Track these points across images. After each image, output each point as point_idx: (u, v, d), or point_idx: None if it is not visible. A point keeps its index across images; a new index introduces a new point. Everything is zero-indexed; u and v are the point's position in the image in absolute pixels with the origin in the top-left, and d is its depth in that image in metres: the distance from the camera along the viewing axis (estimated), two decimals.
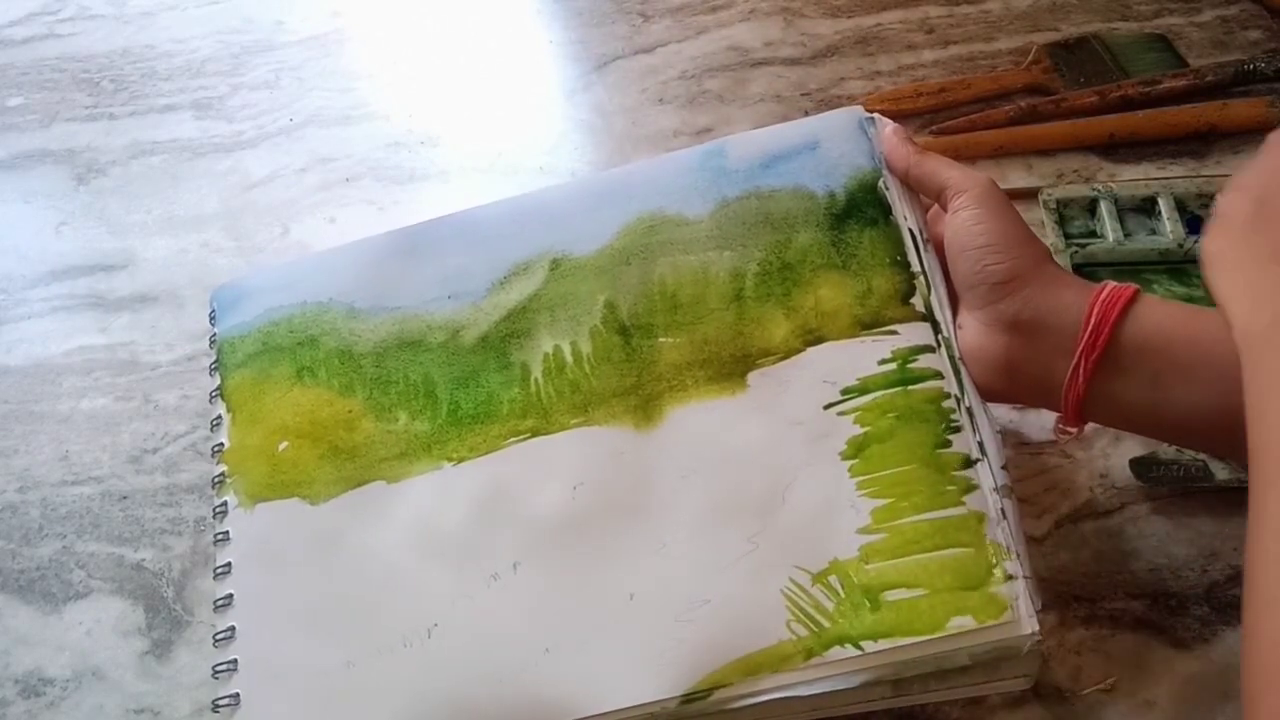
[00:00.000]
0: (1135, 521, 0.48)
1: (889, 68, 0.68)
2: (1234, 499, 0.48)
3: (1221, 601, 0.45)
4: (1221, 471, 0.47)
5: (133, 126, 0.71)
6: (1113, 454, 0.50)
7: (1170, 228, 0.55)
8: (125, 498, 0.53)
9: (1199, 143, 0.61)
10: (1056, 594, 0.46)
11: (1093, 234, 0.56)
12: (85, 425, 0.56)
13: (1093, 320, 0.38)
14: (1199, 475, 0.47)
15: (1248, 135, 0.61)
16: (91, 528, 0.52)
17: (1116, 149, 0.61)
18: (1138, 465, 0.48)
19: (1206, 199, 0.56)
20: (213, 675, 0.43)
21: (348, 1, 0.78)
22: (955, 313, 0.42)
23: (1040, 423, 0.51)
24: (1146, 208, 0.57)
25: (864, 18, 0.71)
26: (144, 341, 0.60)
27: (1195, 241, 0.54)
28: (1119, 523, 0.48)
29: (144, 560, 0.51)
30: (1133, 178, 0.59)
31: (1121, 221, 0.56)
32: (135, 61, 0.75)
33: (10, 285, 0.63)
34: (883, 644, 0.38)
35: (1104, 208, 0.56)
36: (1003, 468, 0.40)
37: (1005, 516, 0.39)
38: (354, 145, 0.68)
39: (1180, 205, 0.56)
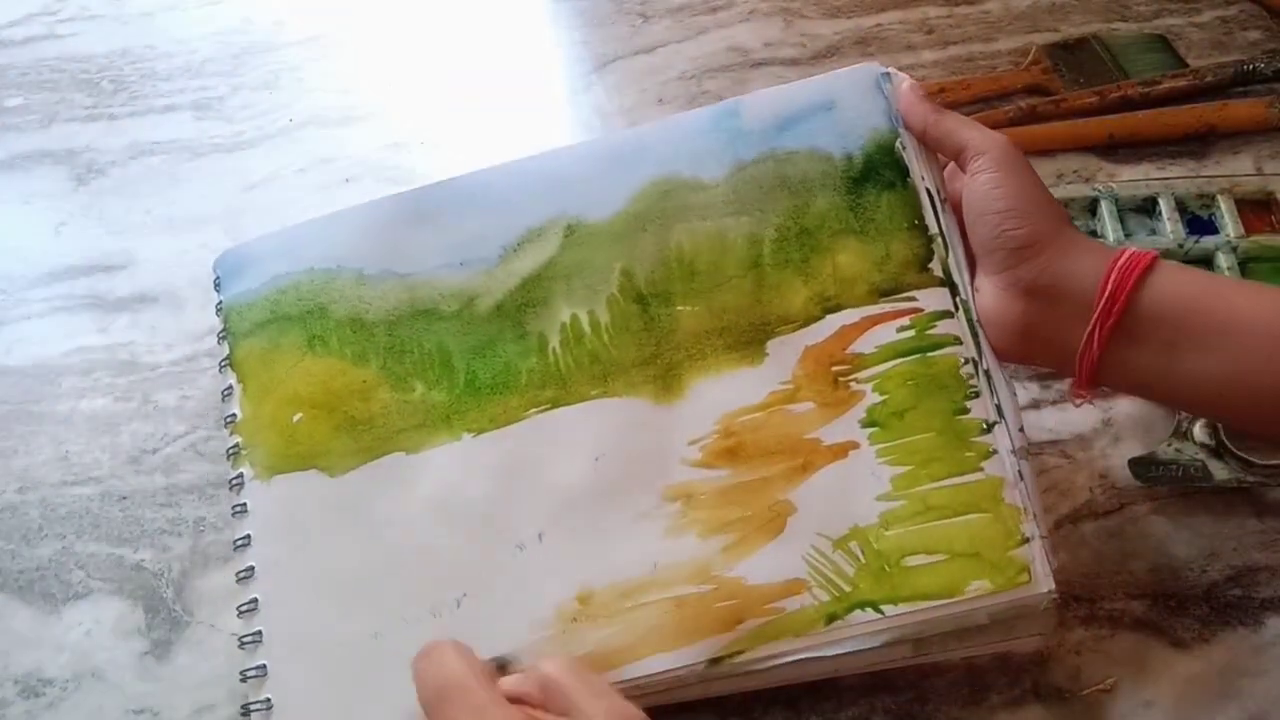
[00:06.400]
0: (1135, 522, 0.48)
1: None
2: (1233, 499, 0.48)
3: (1221, 601, 0.45)
4: (1221, 471, 0.47)
5: (132, 127, 0.71)
6: (1112, 454, 0.50)
7: (1171, 228, 0.55)
8: (125, 498, 0.53)
9: (1199, 143, 0.61)
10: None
11: (1093, 234, 0.56)
12: (85, 425, 0.56)
13: (1109, 287, 0.38)
14: (1198, 475, 0.47)
15: (1247, 135, 0.61)
16: (91, 528, 0.52)
17: (1116, 149, 0.61)
18: (1137, 465, 0.48)
19: (1207, 199, 0.56)
20: (239, 646, 0.43)
21: (348, 1, 0.78)
22: (972, 275, 0.42)
23: (1040, 423, 0.51)
24: (1147, 208, 0.57)
25: (863, 18, 0.71)
26: (144, 342, 0.59)
27: (1196, 242, 0.54)
28: (1118, 523, 0.48)
29: (144, 560, 0.51)
30: (1132, 178, 0.59)
31: (1122, 221, 0.56)
32: (135, 62, 0.75)
33: (10, 285, 0.63)
34: (903, 608, 0.38)
35: (1105, 208, 0.56)
36: (1020, 429, 0.40)
37: (1023, 478, 0.39)
38: (353, 145, 0.68)
39: (1181, 205, 0.56)
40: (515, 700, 0.32)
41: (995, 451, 0.40)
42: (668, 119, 0.48)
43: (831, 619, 0.39)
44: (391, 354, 0.46)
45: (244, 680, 0.43)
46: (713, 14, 0.73)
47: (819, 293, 0.43)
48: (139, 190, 0.67)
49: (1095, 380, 0.39)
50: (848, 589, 0.39)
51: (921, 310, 0.42)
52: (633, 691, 0.40)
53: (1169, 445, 0.48)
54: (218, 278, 0.51)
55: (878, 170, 0.44)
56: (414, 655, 0.33)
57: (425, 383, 0.45)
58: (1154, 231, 0.56)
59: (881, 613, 0.39)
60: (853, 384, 0.42)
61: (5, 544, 0.52)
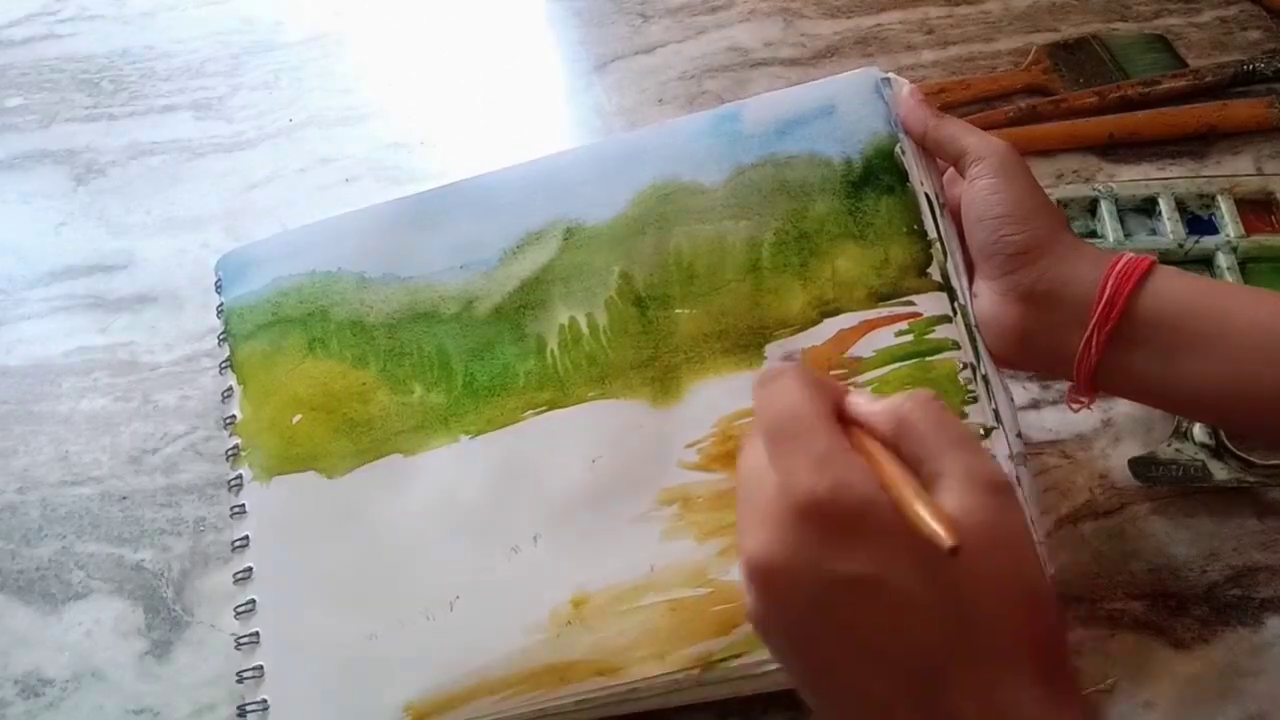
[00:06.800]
0: (1135, 522, 0.48)
1: (888, 68, 0.67)
2: (1233, 499, 0.48)
3: (1221, 602, 0.45)
4: (1221, 471, 0.47)
5: (132, 127, 0.71)
6: (1112, 454, 0.50)
7: (1171, 228, 0.55)
8: (125, 498, 0.53)
9: (1199, 143, 0.61)
10: (1056, 594, 0.46)
11: (1093, 234, 0.56)
12: (85, 425, 0.56)
13: (1107, 292, 0.38)
14: (1198, 475, 0.47)
15: (1247, 135, 0.61)
16: (91, 528, 0.52)
17: (1116, 149, 0.61)
18: (1137, 465, 0.48)
19: (1207, 199, 0.56)
20: (236, 647, 0.43)
21: (348, 1, 0.78)
22: (970, 280, 0.42)
23: (1040, 423, 0.51)
24: (1147, 208, 0.57)
25: (863, 18, 0.71)
26: (144, 342, 0.59)
27: (1196, 242, 0.54)
28: (1118, 523, 0.48)
29: (144, 560, 0.51)
30: (1132, 178, 0.59)
31: (1122, 221, 0.56)
32: (135, 62, 0.75)
33: (10, 285, 0.63)
34: None
35: (1104, 208, 0.56)
36: (1017, 435, 0.40)
37: (1020, 484, 0.39)
38: (353, 145, 0.68)
39: (1181, 205, 0.56)
40: (860, 428, 0.30)
41: (993, 457, 0.40)
42: (667, 122, 0.48)
43: None
44: (391, 357, 0.46)
45: (240, 681, 0.43)
46: (712, 14, 0.73)
47: (817, 297, 0.43)
48: (139, 190, 0.67)
49: (1093, 385, 0.39)
50: None
51: (920, 315, 0.42)
52: (628, 696, 0.40)
53: (1169, 445, 0.48)
54: (219, 279, 0.51)
55: (877, 175, 0.44)
56: (756, 379, 0.31)
57: (424, 385, 0.45)
58: (1154, 231, 0.56)
59: None
60: (851, 388, 0.42)
61: (5, 544, 0.52)
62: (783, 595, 0.28)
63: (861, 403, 0.31)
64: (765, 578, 0.28)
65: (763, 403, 0.31)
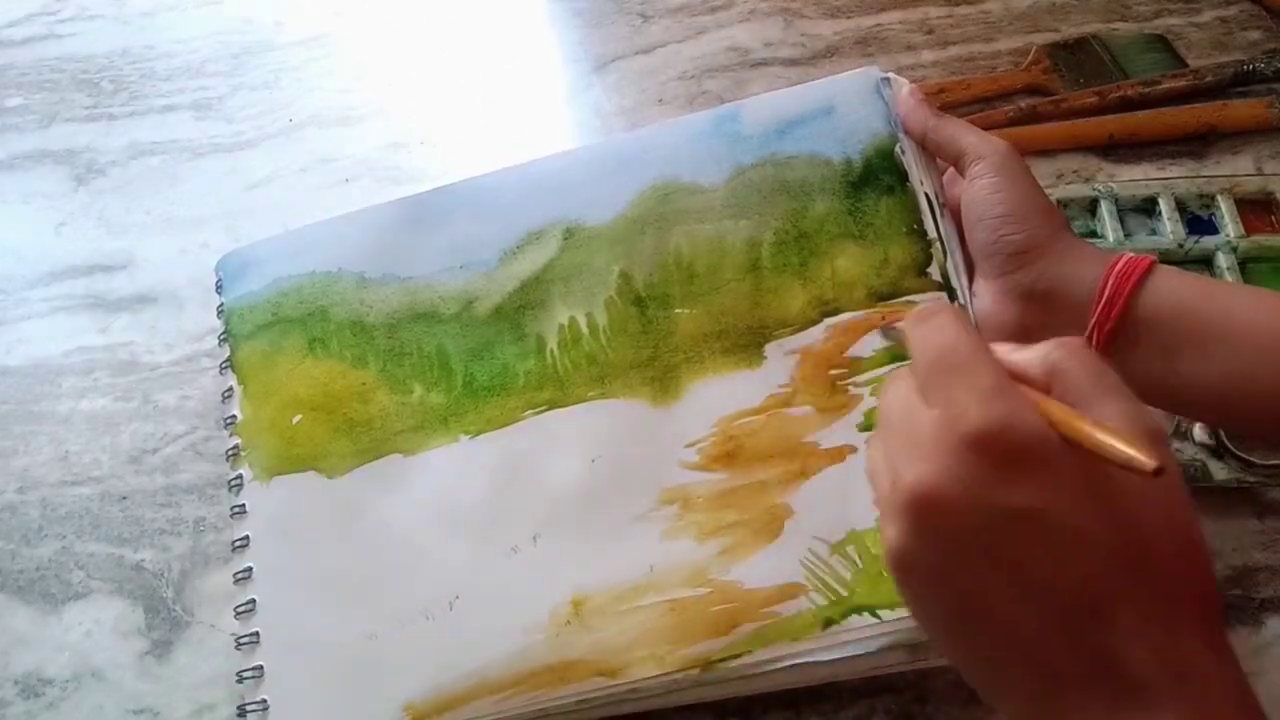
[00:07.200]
0: None
1: (888, 68, 0.67)
2: (1233, 499, 0.48)
3: (1221, 602, 0.45)
4: (1220, 471, 0.47)
5: (132, 127, 0.71)
6: None
7: (1171, 228, 0.55)
8: (125, 498, 0.53)
9: (1199, 143, 0.61)
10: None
11: (1093, 234, 0.56)
12: (85, 425, 0.56)
13: (1107, 291, 0.38)
14: (1198, 475, 0.47)
15: (1247, 135, 0.61)
16: (91, 528, 0.52)
17: (1116, 149, 0.61)
18: None
19: (1207, 199, 0.56)
20: (236, 647, 0.43)
21: (348, 1, 0.78)
22: (970, 280, 0.42)
23: None
24: (1147, 208, 0.57)
25: (863, 18, 0.71)
26: (143, 342, 0.59)
27: (1196, 242, 0.54)
28: None
29: (143, 560, 0.51)
30: (1132, 178, 0.59)
31: (1122, 221, 0.56)
32: (135, 62, 0.75)
33: (10, 285, 0.63)
34: (900, 613, 0.38)
35: (1104, 208, 0.56)
36: None
37: None
38: (353, 145, 0.68)
39: (1181, 205, 0.56)
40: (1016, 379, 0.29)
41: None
42: (668, 123, 0.48)
43: (828, 623, 0.39)
44: (391, 356, 0.46)
45: (240, 681, 0.43)
46: (712, 14, 0.73)
47: (817, 296, 0.43)
48: (139, 190, 0.67)
49: None
50: (844, 593, 0.39)
51: None
52: (628, 696, 0.40)
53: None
54: (219, 280, 0.51)
55: (877, 175, 0.44)
56: (911, 315, 0.31)
57: (424, 385, 0.45)
58: (1154, 231, 0.56)
59: (878, 618, 0.38)
60: (850, 388, 0.42)
61: (5, 544, 0.52)
62: (943, 527, 0.27)
63: (1009, 349, 0.30)
64: (926, 509, 0.27)
65: (921, 338, 0.30)
